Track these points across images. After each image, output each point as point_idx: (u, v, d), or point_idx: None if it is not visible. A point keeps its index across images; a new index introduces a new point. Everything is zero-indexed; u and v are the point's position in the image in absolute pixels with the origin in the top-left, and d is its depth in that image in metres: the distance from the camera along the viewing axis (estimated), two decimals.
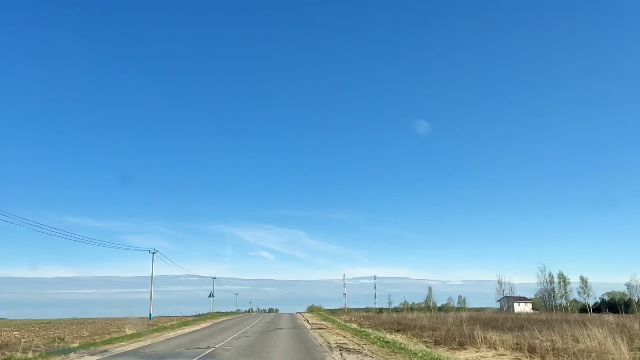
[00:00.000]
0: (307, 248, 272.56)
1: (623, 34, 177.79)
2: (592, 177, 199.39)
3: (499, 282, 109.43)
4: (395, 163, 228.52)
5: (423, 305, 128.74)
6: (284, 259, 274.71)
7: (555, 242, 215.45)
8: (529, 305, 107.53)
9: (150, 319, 51.81)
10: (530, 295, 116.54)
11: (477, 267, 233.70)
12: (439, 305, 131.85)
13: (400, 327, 33.35)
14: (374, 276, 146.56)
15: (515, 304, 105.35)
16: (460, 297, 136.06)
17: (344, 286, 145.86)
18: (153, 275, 53.19)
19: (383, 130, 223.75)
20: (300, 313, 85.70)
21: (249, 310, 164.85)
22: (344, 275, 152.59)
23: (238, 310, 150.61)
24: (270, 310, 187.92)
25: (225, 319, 64.57)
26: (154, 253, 52.52)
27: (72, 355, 19.39)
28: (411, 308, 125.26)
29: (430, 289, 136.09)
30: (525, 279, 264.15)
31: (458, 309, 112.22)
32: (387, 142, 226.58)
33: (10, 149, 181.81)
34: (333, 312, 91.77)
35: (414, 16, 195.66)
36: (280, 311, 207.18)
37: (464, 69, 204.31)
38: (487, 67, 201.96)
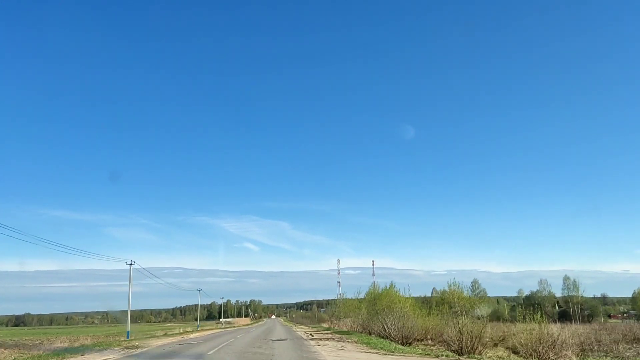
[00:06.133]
0: (292, 239, 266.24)
1: (613, 34, 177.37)
2: (571, 174, 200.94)
3: None
4: (379, 156, 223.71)
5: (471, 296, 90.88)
6: (269, 250, 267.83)
7: (533, 234, 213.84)
8: None
9: None
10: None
11: (460, 257, 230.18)
12: (491, 294, 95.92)
13: None
14: (372, 262, 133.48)
15: None
16: (569, 278, 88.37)
17: (339, 274, 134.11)
18: (131, 286, 42.63)
19: (367, 124, 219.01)
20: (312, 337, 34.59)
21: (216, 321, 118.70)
22: (338, 261, 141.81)
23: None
24: (251, 308, 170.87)
25: None
26: (131, 265, 42.28)
27: None
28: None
29: (476, 279, 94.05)
30: (507, 269, 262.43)
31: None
32: (370, 135, 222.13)
33: None
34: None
35: (401, 13, 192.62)
36: (264, 302, 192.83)
37: (448, 69, 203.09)
38: (472, 65, 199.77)
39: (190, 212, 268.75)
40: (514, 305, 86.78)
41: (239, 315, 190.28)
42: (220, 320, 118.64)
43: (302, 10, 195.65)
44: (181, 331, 55.64)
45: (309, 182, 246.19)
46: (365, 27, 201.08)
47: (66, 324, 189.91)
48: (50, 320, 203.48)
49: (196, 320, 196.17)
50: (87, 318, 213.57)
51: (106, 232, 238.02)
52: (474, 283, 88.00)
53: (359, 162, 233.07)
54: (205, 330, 60.42)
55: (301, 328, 55.70)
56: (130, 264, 42.03)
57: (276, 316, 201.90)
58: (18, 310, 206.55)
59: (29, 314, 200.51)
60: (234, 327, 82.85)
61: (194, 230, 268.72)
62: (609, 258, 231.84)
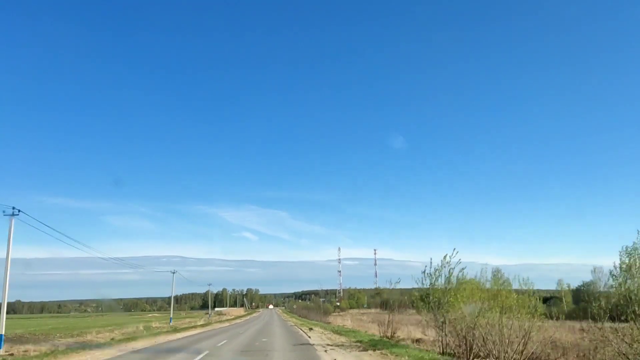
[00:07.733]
0: (291, 229, 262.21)
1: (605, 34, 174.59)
2: (570, 166, 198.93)
3: None
4: (377, 146, 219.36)
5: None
6: (267, 239, 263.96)
7: (530, 227, 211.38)
8: None
9: None
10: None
11: (458, 249, 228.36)
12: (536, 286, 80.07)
13: None
14: (374, 251, 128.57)
15: None
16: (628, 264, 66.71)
17: (339, 262, 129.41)
18: (10, 251, 26.75)
19: (366, 114, 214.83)
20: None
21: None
22: (339, 249, 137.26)
23: None
24: (248, 298, 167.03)
25: None
26: (12, 215, 24.54)
27: None
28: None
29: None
30: (505, 261, 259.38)
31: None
32: (369, 126, 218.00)
33: None
34: None
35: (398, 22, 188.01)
36: (262, 292, 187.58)
37: (443, 62, 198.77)
38: (465, 61, 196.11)
39: (189, 201, 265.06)
40: (547, 298, 68.86)
41: (235, 304, 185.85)
42: (211, 310, 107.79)
43: (299, 7, 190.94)
44: (143, 328, 42.43)
45: (307, 171, 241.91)
46: (364, 24, 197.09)
47: (58, 312, 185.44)
48: (41, 308, 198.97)
49: (192, 309, 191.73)
50: (80, 306, 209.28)
51: (105, 220, 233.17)
52: (496, 272, 75.73)
53: (358, 152, 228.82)
54: (167, 334, 37.50)
55: (329, 343, 24.50)
56: (12, 215, 24.56)
57: (274, 306, 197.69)
58: (13, 297, 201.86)
59: (19, 301, 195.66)
60: (220, 321, 68.72)
61: (193, 219, 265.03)
62: (609, 251, 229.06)
